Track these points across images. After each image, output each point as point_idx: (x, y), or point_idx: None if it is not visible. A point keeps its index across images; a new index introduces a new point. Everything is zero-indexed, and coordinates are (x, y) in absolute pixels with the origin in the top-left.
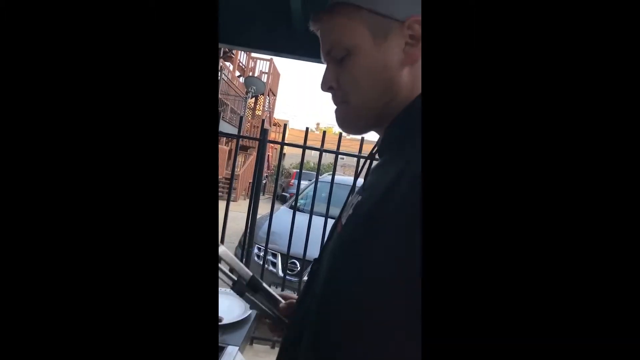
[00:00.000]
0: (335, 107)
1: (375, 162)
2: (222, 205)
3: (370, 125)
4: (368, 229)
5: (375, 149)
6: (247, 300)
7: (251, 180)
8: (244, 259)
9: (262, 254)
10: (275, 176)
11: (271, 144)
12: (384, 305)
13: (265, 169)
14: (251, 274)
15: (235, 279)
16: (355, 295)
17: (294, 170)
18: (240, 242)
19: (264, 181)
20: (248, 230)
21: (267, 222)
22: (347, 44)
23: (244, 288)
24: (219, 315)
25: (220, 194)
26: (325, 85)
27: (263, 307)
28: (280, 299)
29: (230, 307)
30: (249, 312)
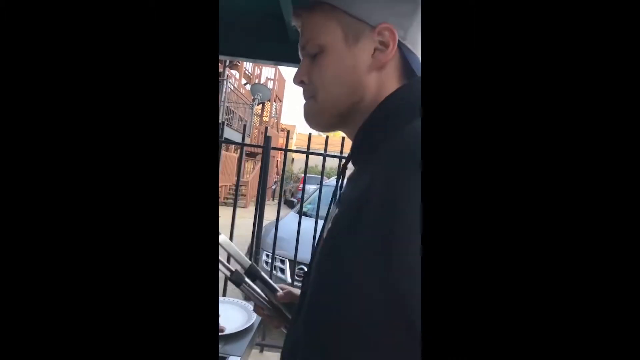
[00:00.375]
0: (304, 101)
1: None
2: (230, 212)
3: (334, 124)
4: (345, 243)
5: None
6: (244, 290)
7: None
8: None
9: (270, 260)
10: (283, 181)
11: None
12: (364, 317)
13: (275, 175)
14: (250, 262)
15: (233, 270)
16: (337, 312)
17: (303, 175)
18: (248, 249)
19: (273, 187)
20: (254, 237)
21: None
22: (320, 42)
23: (242, 278)
24: (221, 325)
25: (230, 200)
26: (297, 79)
27: (260, 297)
28: (278, 288)
29: (233, 316)
30: (252, 321)
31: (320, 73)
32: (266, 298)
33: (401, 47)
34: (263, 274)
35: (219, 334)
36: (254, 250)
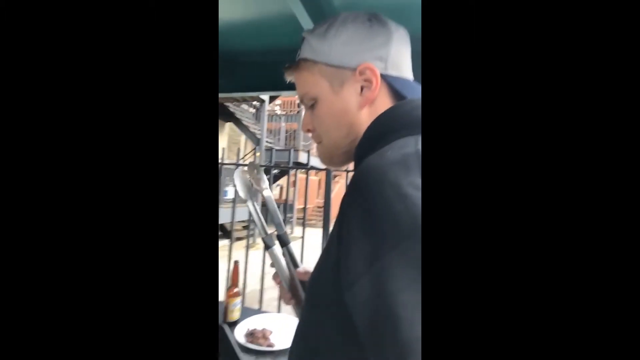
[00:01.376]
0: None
1: None
2: (310, 232)
3: (344, 160)
4: (322, 259)
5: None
6: (271, 255)
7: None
8: None
9: None
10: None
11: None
12: (318, 330)
13: None
14: (285, 230)
15: (268, 232)
16: (305, 319)
17: None
18: None
19: None
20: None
21: None
22: (311, 94)
23: (272, 242)
24: (270, 340)
25: (313, 222)
26: (304, 128)
27: (282, 267)
28: (300, 264)
29: (284, 332)
30: None
31: (319, 121)
32: (286, 271)
33: (385, 77)
34: (291, 245)
35: (270, 349)
36: None
